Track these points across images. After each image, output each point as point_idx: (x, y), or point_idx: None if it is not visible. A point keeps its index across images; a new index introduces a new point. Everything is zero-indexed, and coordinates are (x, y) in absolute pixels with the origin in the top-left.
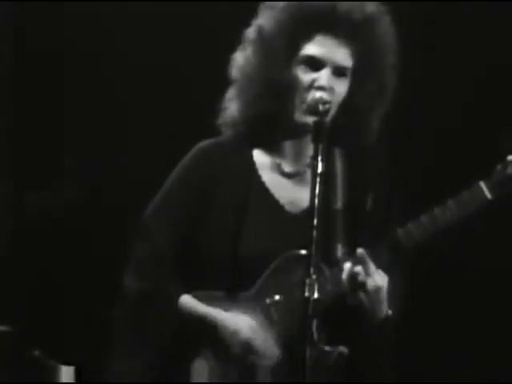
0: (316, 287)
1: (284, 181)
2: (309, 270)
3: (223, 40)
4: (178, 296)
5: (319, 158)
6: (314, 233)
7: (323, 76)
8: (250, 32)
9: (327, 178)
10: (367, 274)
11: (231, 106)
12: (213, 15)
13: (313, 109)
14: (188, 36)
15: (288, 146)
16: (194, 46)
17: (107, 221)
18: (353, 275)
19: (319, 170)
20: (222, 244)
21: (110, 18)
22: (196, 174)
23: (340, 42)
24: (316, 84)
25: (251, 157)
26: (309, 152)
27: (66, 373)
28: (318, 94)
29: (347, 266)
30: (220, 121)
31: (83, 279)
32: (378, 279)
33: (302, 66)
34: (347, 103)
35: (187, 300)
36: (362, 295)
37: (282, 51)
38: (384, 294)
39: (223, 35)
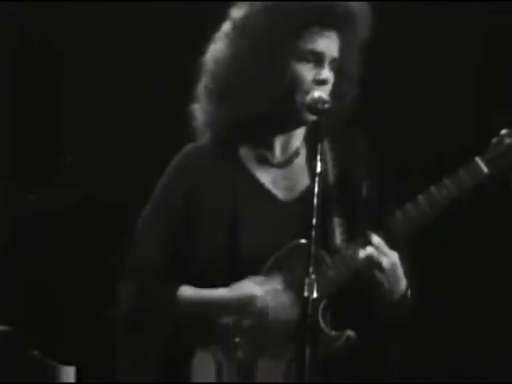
0: (315, 286)
1: (273, 171)
2: (308, 269)
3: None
4: (175, 292)
5: (318, 158)
6: (313, 232)
7: (324, 69)
8: (233, 25)
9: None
10: (381, 253)
11: (215, 104)
12: (214, 13)
13: (312, 108)
14: (189, 35)
15: (277, 139)
16: (195, 45)
17: (107, 221)
18: (367, 258)
19: (318, 169)
20: (219, 241)
21: (111, 18)
22: (182, 179)
23: (334, 35)
24: (319, 77)
25: (237, 153)
26: (295, 141)
27: (66, 373)
28: (316, 94)
29: (357, 248)
30: (198, 123)
31: (83, 279)
32: (393, 255)
33: (303, 61)
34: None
35: (187, 289)
36: (379, 275)
37: (280, 45)
38: (400, 270)
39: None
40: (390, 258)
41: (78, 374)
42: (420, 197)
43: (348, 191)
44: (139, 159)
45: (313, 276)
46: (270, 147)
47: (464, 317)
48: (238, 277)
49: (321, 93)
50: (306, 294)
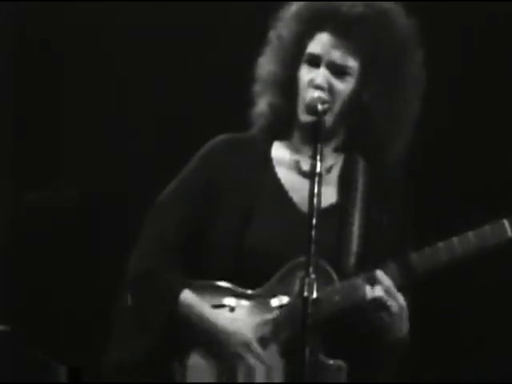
0: (315, 287)
1: (301, 179)
2: (308, 269)
3: (230, 32)
4: (179, 284)
5: (318, 158)
6: (313, 233)
7: (320, 74)
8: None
9: (348, 188)
10: (391, 296)
11: (257, 101)
12: (214, 14)
13: (311, 108)
14: (189, 35)
15: (304, 143)
16: (195, 45)
17: (107, 220)
18: (376, 299)
19: (318, 169)
20: (231, 239)
21: (111, 18)
22: (211, 167)
23: (337, 40)
24: (313, 83)
25: (269, 153)
26: (329, 156)
27: (66, 373)
28: (316, 94)
29: (368, 289)
30: (253, 113)
31: (83, 279)
32: (401, 299)
33: (305, 65)
34: (355, 102)
35: (188, 296)
36: (386, 317)
37: (289, 51)
38: (406, 313)
39: (230, 27)
40: (399, 302)
41: (78, 373)
42: (440, 244)
43: (370, 221)
44: (140, 159)
45: (312, 276)
46: (302, 154)
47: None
48: (242, 277)
49: (320, 92)
50: (305, 293)
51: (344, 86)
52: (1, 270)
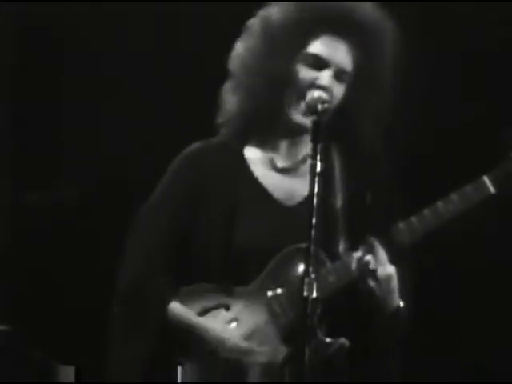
0: (315, 286)
1: (277, 175)
2: (307, 269)
3: (225, 31)
4: (169, 295)
5: (318, 158)
6: (313, 232)
7: (325, 76)
8: (255, 23)
9: (325, 173)
10: (378, 262)
11: (229, 100)
12: (214, 14)
13: (312, 108)
14: (190, 34)
15: (282, 141)
16: (195, 44)
17: (107, 221)
18: (363, 263)
19: (318, 169)
20: (218, 240)
21: (111, 18)
22: (186, 176)
23: (345, 46)
24: (317, 83)
25: (242, 154)
26: (302, 147)
27: (66, 373)
28: (316, 94)
29: (357, 254)
30: (219, 119)
31: (83, 279)
32: (389, 267)
33: (305, 64)
34: (340, 105)
35: (176, 308)
36: (372, 284)
37: (287, 46)
38: (395, 283)
39: (226, 25)
40: (386, 269)
41: (78, 373)
42: (426, 210)
43: (353, 199)
44: (140, 159)
45: (312, 276)
46: (276, 151)
47: (464, 332)
48: (233, 277)
49: (321, 93)
50: (305, 293)
51: (339, 91)
52: (1, 270)
